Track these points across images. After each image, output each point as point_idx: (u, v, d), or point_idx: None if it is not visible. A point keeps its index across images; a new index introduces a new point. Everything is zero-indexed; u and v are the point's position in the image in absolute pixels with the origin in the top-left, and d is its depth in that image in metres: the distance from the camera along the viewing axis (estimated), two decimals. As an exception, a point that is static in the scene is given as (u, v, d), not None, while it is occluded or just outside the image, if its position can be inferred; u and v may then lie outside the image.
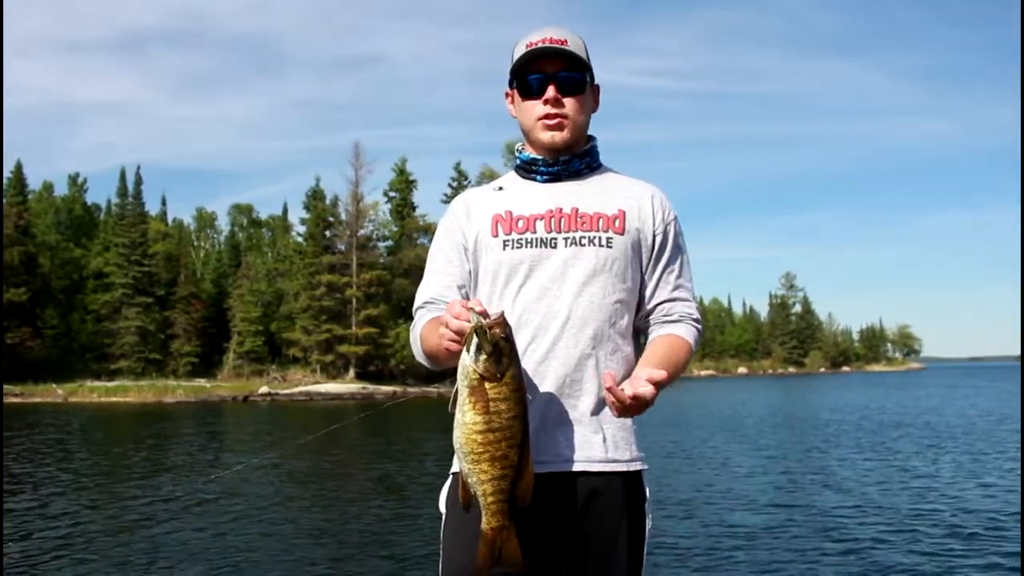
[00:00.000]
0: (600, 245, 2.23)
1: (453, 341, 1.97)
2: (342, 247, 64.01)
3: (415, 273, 64.87)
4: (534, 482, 2.00)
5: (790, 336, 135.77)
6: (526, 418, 1.99)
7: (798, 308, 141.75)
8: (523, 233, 2.24)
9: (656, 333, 2.31)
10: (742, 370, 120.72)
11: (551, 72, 2.23)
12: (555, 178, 2.31)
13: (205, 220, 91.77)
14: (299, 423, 31.00)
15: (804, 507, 11.32)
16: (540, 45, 2.22)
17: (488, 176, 70.99)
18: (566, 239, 2.23)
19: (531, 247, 2.23)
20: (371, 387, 56.55)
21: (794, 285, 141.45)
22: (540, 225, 2.25)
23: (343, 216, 65.27)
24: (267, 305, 66.87)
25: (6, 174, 60.35)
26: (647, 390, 1.98)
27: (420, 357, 2.31)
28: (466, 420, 1.96)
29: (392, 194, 67.66)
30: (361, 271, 61.98)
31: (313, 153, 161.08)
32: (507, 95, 2.36)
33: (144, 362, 60.30)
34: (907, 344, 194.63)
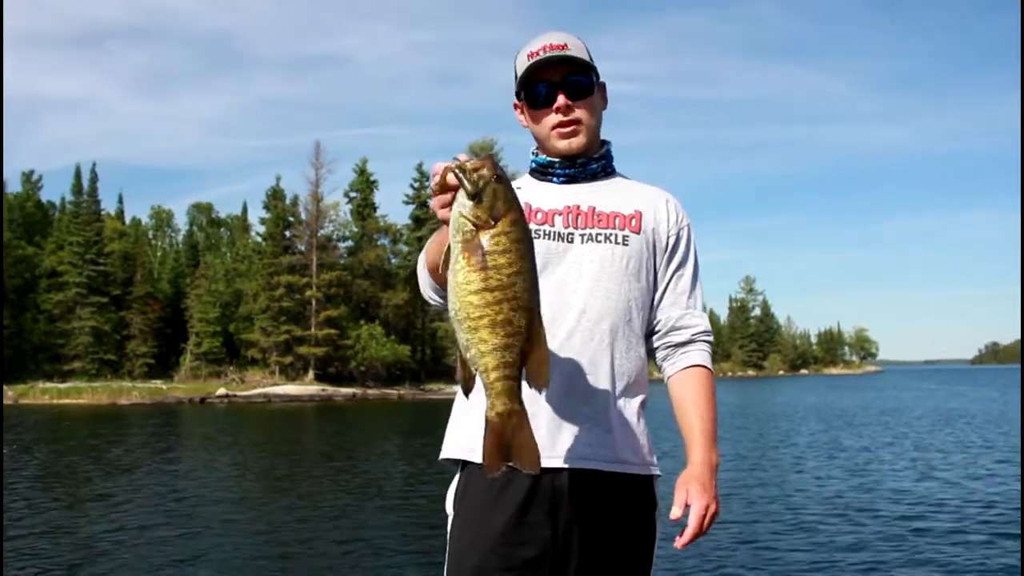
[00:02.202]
0: (616, 243, 2.21)
1: (444, 206, 1.78)
2: (302, 247, 63.50)
3: (376, 274, 64.65)
4: (547, 365, 1.78)
5: (749, 339, 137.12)
6: (534, 276, 1.76)
7: (757, 311, 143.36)
8: (541, 225, 2.20)
9: (675, 367, 2.24)
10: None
11: (558, 79, 2.20)
12: (571, 180, 2.28)
13: (162, 219, 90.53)
14: (256, 424, 30.62)
15: (794, 505, 11.41)
16: (542, 54, 2.19)
17: (450, 177, 70.79)
18: (583, 235, 2.20)
19: (548, 239, 2.18)
20: (330, 389, 56.16)
21: (753, 288, 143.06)
22: (559, 220, 2.21)
23: (303, 216, 64.79)
24: (225, 306, 65.98)
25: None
26: (708, 509, 2.03)
27: (425, 284, 2.16)
28: (459, 280, 1.70)
29: (353, 194, 67.23)
30: (321, 272, 61.51)
31: (273, 152, 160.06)
32: (516, 106, 2.33)
33: (98, 363, 59.18)
34: (864, 347, 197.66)
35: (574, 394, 2.11)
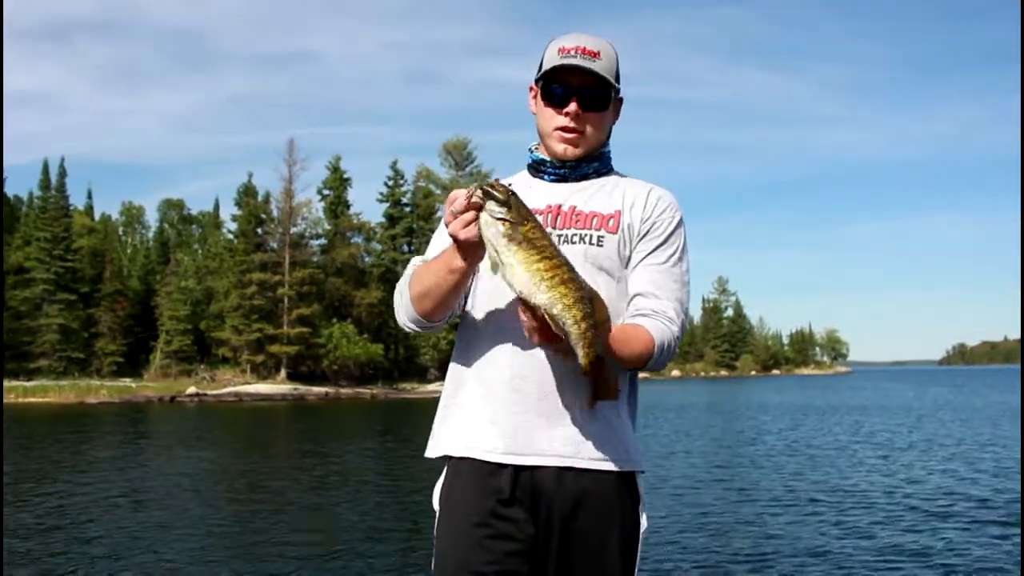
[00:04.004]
0: (590, 243, 2.21)
1: (466, 226, 1.94)
2: (274, 245, 63.05)
3: (348, 272, 64.31)
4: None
5: (722, 340, 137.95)
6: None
7: (730, 312, 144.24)
8: None
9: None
10: (675, 373, 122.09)
11: (576, 86, 2.20)
12: (561, 179, 2.30)
13: (132, 215, 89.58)
14: (228, 423, 30.35)
15: (766, 496, 11.42)
16: (572, 55, 2.18)
17: (425, 176, 70.84)
18: (560, 236, 2.21)
19: None
20: (302, 388, 55.82)
21: (726, 289, 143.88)
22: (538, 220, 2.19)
23: (275, 213, 64.31)
24: (196, 303, 65.40)
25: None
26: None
27: (405, 307, 2.21)
28: (519, 259, 1.90)
29: (326, 192, 66.88)
30: (293, 269, 61.11)
31: (245, 150, 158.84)
32: (531, 90, 2.31)
33: (66, 361, 58.34)
34: (835, 348, 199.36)
35: (554, 393, 2.14)
